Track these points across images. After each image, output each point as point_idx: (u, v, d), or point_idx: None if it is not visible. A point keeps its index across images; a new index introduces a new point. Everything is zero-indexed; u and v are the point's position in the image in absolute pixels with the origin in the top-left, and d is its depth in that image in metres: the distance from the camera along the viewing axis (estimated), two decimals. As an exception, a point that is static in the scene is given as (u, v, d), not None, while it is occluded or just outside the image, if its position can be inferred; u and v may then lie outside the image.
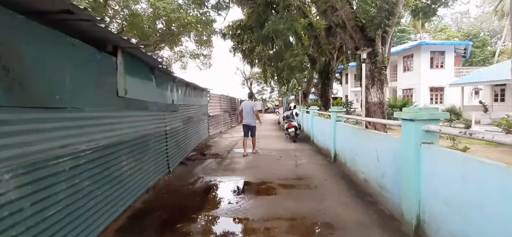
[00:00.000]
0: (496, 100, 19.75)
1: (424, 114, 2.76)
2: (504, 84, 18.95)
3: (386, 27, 7.39)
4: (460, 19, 45.79)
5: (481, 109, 18.83)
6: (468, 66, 27.35)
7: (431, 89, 22.12)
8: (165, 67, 5.98)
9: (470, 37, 36.27)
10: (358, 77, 8.27)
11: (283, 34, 10.88)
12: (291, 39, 16.72)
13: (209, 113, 11.48)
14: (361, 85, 8.21)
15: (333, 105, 16.16)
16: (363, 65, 6.49)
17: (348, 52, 16.72)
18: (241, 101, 20.48)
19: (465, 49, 23.69)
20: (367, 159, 4.26)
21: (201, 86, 9.85)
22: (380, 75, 7.76)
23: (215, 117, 12.64)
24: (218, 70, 70.64)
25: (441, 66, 22.13)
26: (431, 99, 22.16)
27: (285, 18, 10.05)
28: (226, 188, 4.70)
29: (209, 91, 11.53)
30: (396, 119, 3.24)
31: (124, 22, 20.42)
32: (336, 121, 6.25)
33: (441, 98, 22.29)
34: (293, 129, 9.52)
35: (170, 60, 27.65)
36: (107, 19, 18.59)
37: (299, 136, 10.16)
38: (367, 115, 8.03)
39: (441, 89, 22.13)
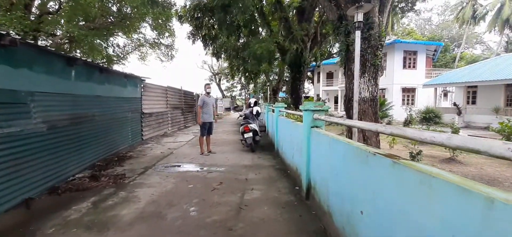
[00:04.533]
0: (468, 102, 18.37)
1: None
2: (476, 86, 17.60)
3: (388, -18, 4.63)
4: (423, 26, 45.97)
5: (454, 111, 17.30)
6: (434, 69, 26.36)
7: (403, 90, 20.40)
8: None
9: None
10: (341, 62, 5.47)
11: (241, 3, 7.85)
12: (258, 26, 13.80)
13: (143, 110, 8.13)
14: (346, 73, 5.42)
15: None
16: (358, 34, 3.66)
17: (323, 44, 14.16)
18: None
19: (435, 50, 22.39)
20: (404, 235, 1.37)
21: (120, 70, 6.52)
22: (375, 58, 5.01)
23: (156, 115, 9.28)
24: (186, 65, 65.57)
25: (413, 67, 20.49)
26: (403, 100, 20.45)
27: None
28: None
29: (143, 81, 8.18)
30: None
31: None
32: (312, 127, 3.34)
33: (412, 99, 20.68)
34: (250, 134, 6.52)
35: (127, 49, 23.46)
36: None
37: (259, 143, 7.20)
38: (352, 115, 5.28)
39: (413, 90, 20.50)
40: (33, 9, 13.53)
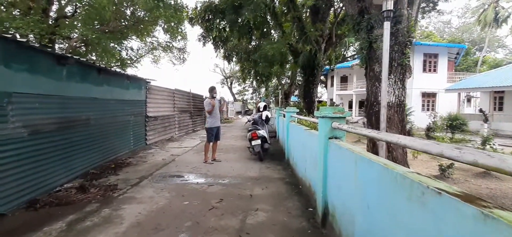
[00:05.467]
0: (494, 109, 16.93)
1: None
2: (503, 92, 16.19)
3: (421, -34, 3.91)
4: (442, 28, 43.84)
5: (480, 119, 15.93)
6: (457, 73, 24.76)
7: (423, 95, 19.11)
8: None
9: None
10: (362, 63, 4.77)
11: (252, 4, 7.28)
12: (270, 28, 13.20)
13: (148, 113, 7.68)
14: (367, 75, 4.70)
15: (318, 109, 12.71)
16: (387, 25, 2.98)
17: (338, 45, 13.36)
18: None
19: (457, 53, 20.95)
20: None
21: (122, 72, 6.10)
22: (403, 56, 4.29)
23: (162, 118, 8.84)
24: (198, 69, 65.84)
25: (434, 70, 19.17)
26: (423, 105, 19.16)
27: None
28: None
29: (148, 83, 7.75)
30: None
31: (77, 3, 16.16)
32: (330, 138, 2.67)
33: (433, 105, 19.33)
34: (258, 142, 5.88)
35: (140, 52, 23.39)
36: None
37: (269, 151, 6.55)
38: (375, 123, 4.55)
39: (434, 95, 19.17)
40: (51, 13, 13.56)
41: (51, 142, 3.88)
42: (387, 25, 3.02)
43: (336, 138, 2.68)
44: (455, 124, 9.96)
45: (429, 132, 10.95)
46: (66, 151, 4.19)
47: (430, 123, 11.35)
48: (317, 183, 2.97)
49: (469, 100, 21.28)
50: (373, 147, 4.72)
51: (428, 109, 19.10)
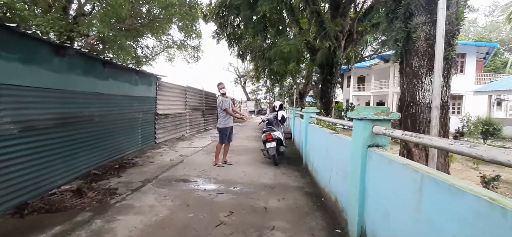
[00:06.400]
0: (530, 113, 15.44)
1: None
2: (541, 95, 14.71)
3: None
4: (467, 28, 41.30)
5: (514, 123, 14.54)
6: (487, 74, 22.98)
7: (448, 97, 17.74)
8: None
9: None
10: (397, 57, 4.11)
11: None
12: (286, 26, 12.56)
13: (158, 110, 7.30)
14: (404, 71, 4.03)
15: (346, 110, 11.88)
16: (442, 4, 2.33)
17: (357, 43, 12.54)
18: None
19: (487, 53, 19.36)
20: None
21: (131, 66, 5.72)
22: (449, 48, 3.60)
23: (172, 116, 8.44)
24: (212, 67, 66.09)
25: (461, 71, 17.78)
26: (448, 108, 17.81)
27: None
28: None
29: (159, 79, 7.36)
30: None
31: (96, 1, 16.21)
32: (370, 146, 2.08)
33: (458, 108, 17.95)
34: (273, 144, 5.30)
35: (155, 50, 23.37)
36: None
37: (284, 154, 5.96)
38: (411, 127, 3.90)
39: (460, 97, 17.80)
40: (71, 12, 13.62)
41: (47, 140, 3.49)
42: (442, 4, 2.37)
43: (377, 146, 2.08)
44: (491, 130, 8.91)
45: (459, 137, 9.96)
46: (64, 150, 3.81)
47: (459, 128, 10.33)
48: (350, 200, 2.37)
49: (499, 104, 19.64)
50: (407, 155, 4.06)
51: (453, 112, 17.76)
